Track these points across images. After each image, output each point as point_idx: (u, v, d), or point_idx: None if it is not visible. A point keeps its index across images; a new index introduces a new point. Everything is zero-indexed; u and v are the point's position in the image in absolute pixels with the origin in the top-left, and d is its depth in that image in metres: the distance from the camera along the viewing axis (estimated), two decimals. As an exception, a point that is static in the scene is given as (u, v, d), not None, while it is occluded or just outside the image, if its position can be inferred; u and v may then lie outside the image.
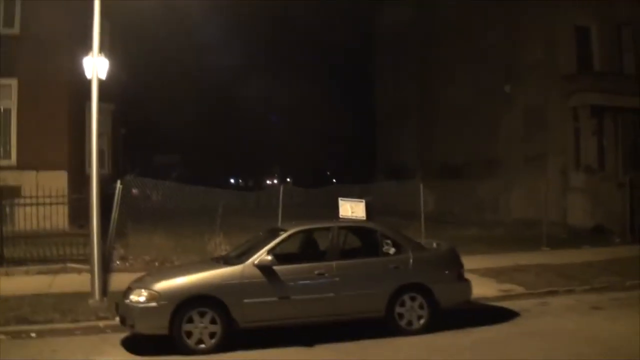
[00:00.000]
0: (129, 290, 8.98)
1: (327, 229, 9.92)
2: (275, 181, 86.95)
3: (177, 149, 71.07)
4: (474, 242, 19.88)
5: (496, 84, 28.60)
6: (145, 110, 49.63)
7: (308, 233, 10.32)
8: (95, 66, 11.65)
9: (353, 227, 10.56)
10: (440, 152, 33.94)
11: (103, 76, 12.08)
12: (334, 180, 64.52)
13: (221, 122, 70.03)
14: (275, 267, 8.97)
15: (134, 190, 18.73)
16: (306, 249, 10.29)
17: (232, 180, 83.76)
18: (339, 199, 16.14)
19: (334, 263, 9.33)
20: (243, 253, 9.67)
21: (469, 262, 15.29)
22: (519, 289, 12.99)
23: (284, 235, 9.52)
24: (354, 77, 59.24)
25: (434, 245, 10.93)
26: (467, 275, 11.00)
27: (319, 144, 67.35)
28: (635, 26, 26.65)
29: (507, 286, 13.24)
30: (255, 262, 8.96)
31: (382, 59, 43.84)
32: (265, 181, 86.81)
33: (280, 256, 9.58)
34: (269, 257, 8.97)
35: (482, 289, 12.69)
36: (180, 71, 62.05)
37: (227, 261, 9.51)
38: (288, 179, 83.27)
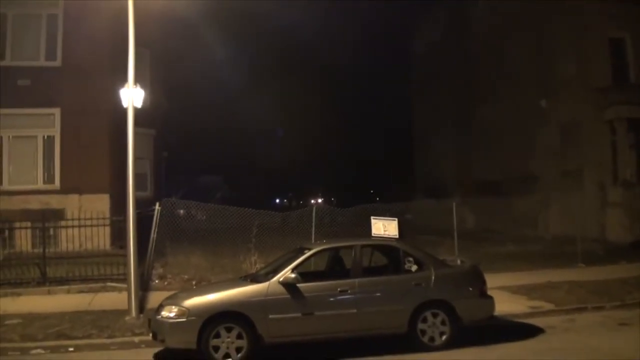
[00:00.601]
0: (160, 307, 9.43)
1: (350, 247, 10.21)
2: (320, 200, 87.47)
3: (222, 170, 72.16)
4: (509, 259, 19.89)
5: (531, 100, 28.57)
6: (190, 134, 50.75)
7: (332, 251, 10.66)
8: (131, 96, 12.21)
9: (376, 245, 10.86)
10: (477, 169, 33.97)
11: (139, 105, 12.67)
12: (377, 199, 64.80)
13: (265, 143, 70.92)
14: (299, 285, 9.30)
15: (181, 211, 19.32)
16: (331, 267, 10.66)
17: (277, 200, 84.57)
18: (372, 217, 16.46)
19: (356, 280, 9.61)
20: (270, 271, 10.04)
21: (503, 279, 15.54)
22: (548, 306, 13.01)
23: (308, 254, 9.86)
24: (392, 96, 59.61)
25: (458, 262, 11.12)
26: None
27: (360, 164, 67.66)
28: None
29: (536, 303, 13.27)
30: (280, 279, 9.32)
31: (418, 77, 44.22)
32: (310, 201, 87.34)
33: (306, 274, 9.94)
34: (293, 275, 9.32)
35: (511, 305, 12.81)
36: (224, 94, 63.23)
37: (254, 279, 9.89)
38: (332, 199, 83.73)
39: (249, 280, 9.93)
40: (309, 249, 10.08)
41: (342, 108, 66.40)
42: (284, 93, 69.71)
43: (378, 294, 9.64)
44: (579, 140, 25.85)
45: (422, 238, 24.96)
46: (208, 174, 69.32)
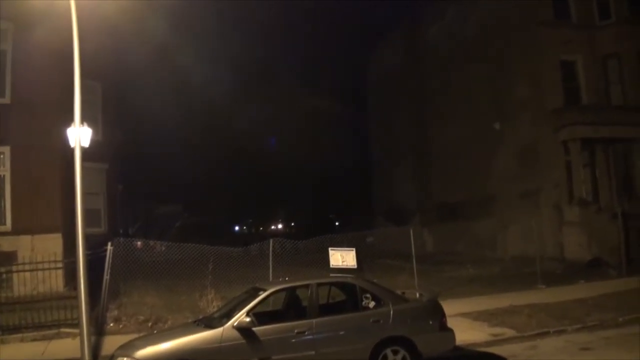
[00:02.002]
0: (112, 358, 9.08)
1: (306, 286, 9.99)
2: (280, 226, 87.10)
3: (181, 198, 71.36)
4: (470, 283, 19.98)
5: (488, 123, 28.94)
6: (145, 164, 50.13)
7: (288, 291, 10.43)
8: (78, 136, 11.90)
9: (331, 283, 10.67)
10: (437, 191, 34.17)
11: (86, 144, 12.34)
12: (336, 223, 64.77)
13: (222, 169, 70.49)
14: (254, 329, 9.04)
15: (139, 243, 18.91)
16: (288, 306, 10.42)
17: (237, 228, 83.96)
18: (330, 249, 16.33)
19: (313, 321, 9.37)
20: (224, 314, 9.75)
21: (464, 305, 15.53)
22: (510, 332, 12.98)
23: (262, 296, 9.60)
24: (350, 121, 59.85)
25: (417, 295, 10.99)
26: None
27: (320, 189, 67.63)
28: (620, 58, 26.96)
29: (497, 330, 13.23)
30: (235, 324, 9.04)
31: (376, 102, 44.50)
32: (270, 226, 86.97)
33: (262, 314, 9.70)
34: (248, 319, 9.05)
35: (472, 334, 12.74)
36: (178, 121, 62.80)
37: (208, 324, 9.57)
38: (292, 223, 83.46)
39: (203, 325, 9.61)
40: (264, 290, 9.82)
41: (299, 133, 66.38)
42: (241, 119, 69.61)
43: (336, 334, 9.42)
44: (535, 161, 26.22)
45: (383, 263, 25.00)
46: (167, 202, 68.45)
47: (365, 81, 47.59)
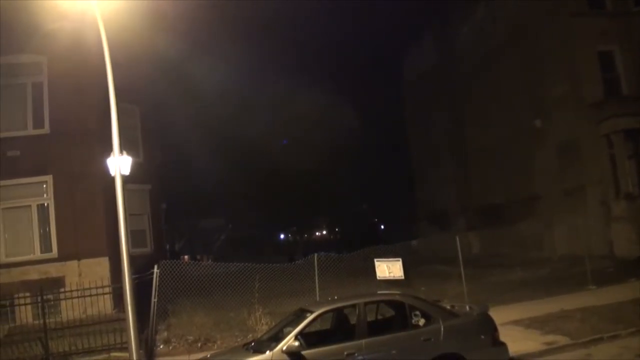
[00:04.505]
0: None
1: (353, 306, 9.87)
2: (325, 232, 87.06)
3: (224, 211, 71.91)
4: (519, 287, 19.58)
5: (526, 120, 28.52)
6: (187, 180, 50.62)
7: (335, 311, 10.32)
8: (118, 165, 12.02)
9: (379, 301, 10.53)
10: (479, 193, 33.78)
11: (127, 172, 12.48)
12: (381, 227, 64.51)
13: (264, 180, 70.70)
14: (304, 352, 8.95)
15: (185, 257, 19.05)
16: (336, 326, 10.30)
17: (282, 236, 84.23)
18: (375, 260, 16.13)
19: (363, 342, 9.24)
20: (273, 338, 9.71)
21: (515, 312, 15.24)
22: (563, 340, 12.64)
23: (309, 318, 9.50)
24: (389, 125, 59.50)
25: (467, 308, 10.76)
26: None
27: (362, 193, 67.55)
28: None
29: (550, 338, 12.90)
30: (284, 348, 8.96)
31: (411, 104, 44.24)
32: (315, 233, 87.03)
33: (310, 335, 9.61)
34: (296, 343, 8.97)
35: (525, 344, 12.45)
36: (220, 135, 63.19)
37: (257, 348, 9.53)
38: (337, 229, 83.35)
39: (252, 350, 9.58)
40: (311, 312, 9.73)
41: (339, 142, 66.35)
42: (281, 127, 69.74)
43: (387, 354, 9.27)
44: (578, 157, 25.69)
45: (429, 268, 24.78)
46: (210, 216, 69.03)
47: (400, 85, 47.40)
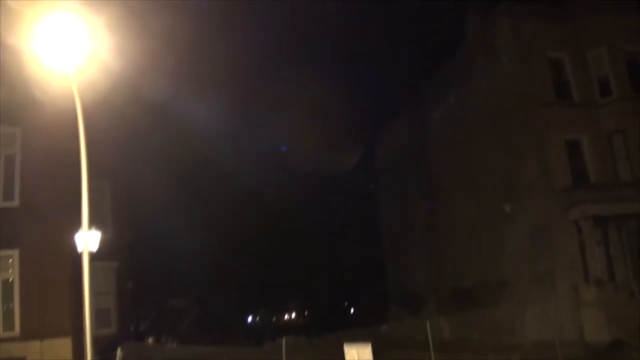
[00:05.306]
0: None
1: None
2: (293, 314, 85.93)
3: (193, 291, 70.69)
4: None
5: (496, 203, 28.86)
6: (157, 257, 49.89)
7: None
8: (86, 241, 11.87)
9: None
10: (450, 275, 33.77)
11: (94, 249, 12.32)
12: (351, 310, 63.77)
13: (233, 260, 70.04)
14: None
15: (150, 340, 18.57)
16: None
17: (249, 319, 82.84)
18: (345, 344, 15.95)
19: None
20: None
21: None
22: None
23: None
24: (361, 206, 59.73)
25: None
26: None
27: (333, 275, 67.00)
28: (625, 133, 27.06)
29: None
30: None
31: (384, 184, 44.68)
32: (283, 315, 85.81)
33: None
34: None
35: None
36: (188, 213, 62.77)
37: None
38: (306, 312, 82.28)
39: None
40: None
41: (310, 220, 66.33)
42: (251, 210, 69.63)
43: None
44: (548, 242, 25.97)
45: (400, 354, 24.42)
46: (179, 295, 67.65)
47: (373, 165, 47.85)
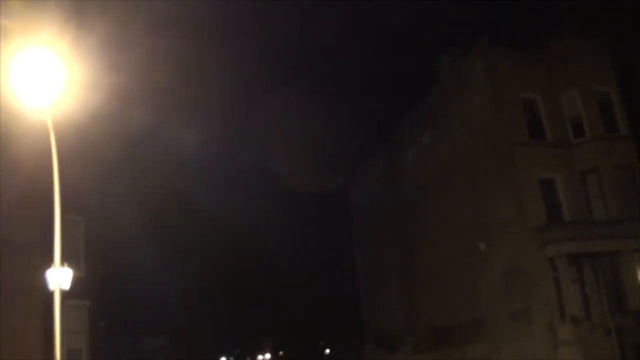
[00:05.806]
0: None
1: None
2: (268, 355, 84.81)
3: (168, 329, 69.63)
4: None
5: (471, 242, 28.94)
6: (131, 295, 49.12)
7: None
8: (58, 278, 11.64)
9: None
10: (426, 314, 33.66)
11: (67, 287, 12.08)
12: (327, 351, 63.07)
13: (207, 300, 69.25)
14: None
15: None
16: None
17: (223, 359, 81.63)
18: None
19: None
20: None
21: None
22: None
23: None
24: (335, 247, 59.68)
25: None
26: None
27: (308, 315, 66.50)
28: (599, 172, 27.47)
29: None
30: None
31: (358, 225, 44.54)
32: (258, 355, 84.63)
33: None
34: None
35: None
36: (163, 253, 62.10)
37: None
38: (281, 352, 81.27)
39: None
40: None
41: (286, 259, 66.05)
42: (226, 249, 69.14)
43: None
44: (523, 280, 26.03)
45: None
46: (153, 334, 66.53)
47: (347, 206, 47.70)
